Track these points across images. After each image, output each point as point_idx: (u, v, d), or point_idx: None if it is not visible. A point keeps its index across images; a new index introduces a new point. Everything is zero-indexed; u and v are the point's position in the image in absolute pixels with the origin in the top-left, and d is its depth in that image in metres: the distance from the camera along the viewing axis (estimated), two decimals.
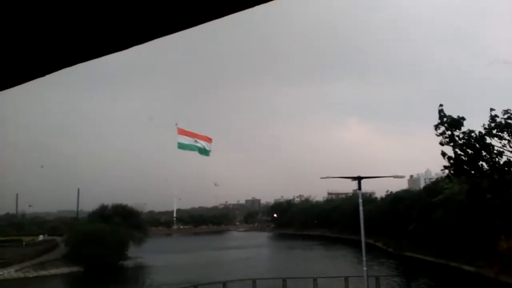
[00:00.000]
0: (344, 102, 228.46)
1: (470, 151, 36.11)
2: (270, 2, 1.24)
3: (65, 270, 56.15)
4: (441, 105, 37.08)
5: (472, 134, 36.38)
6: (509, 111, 35.92)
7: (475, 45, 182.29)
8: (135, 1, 1.11)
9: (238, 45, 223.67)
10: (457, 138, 36.35)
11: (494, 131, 36.01)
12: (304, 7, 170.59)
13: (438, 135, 36.81)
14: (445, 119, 36.44)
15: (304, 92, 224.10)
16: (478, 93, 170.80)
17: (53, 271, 55.34)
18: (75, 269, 56.48)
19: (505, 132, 35.91)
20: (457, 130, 36.55)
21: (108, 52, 1.27)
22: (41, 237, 73.81)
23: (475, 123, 37.73)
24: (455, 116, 36.71)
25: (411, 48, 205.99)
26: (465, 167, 36.74)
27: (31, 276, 52.47)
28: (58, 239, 70.88)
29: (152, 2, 1.13)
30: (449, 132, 36.39)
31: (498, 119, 36.08)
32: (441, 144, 36.89)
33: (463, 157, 36.64)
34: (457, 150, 36.66)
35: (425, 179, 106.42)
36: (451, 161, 36.77)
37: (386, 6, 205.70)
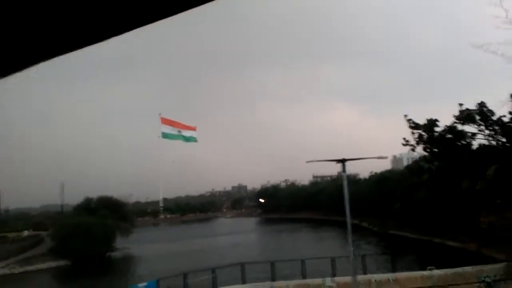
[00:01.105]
0: (329, 85, 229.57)
1: (443, 145, 37.69)
2: None
3: (52, 264, 55.76)
4: (408, 119, 38.82)
5: (448, 128, 37.98)
6: (482, 103, 37.19)
7: (458, 29, 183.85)
8: None
9: (222, 31, 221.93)
10: (428, 140, 38.10)
11: (464, 121, 37.46)
12: None
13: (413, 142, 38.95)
14: (415, 125, 38.35)
15: (290, 77, 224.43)
16: (463, 75, 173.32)
17: (40, 266, 54.92)
18: (62, 263, 56.13)
19: (477, 120, 37.29)
20: (432, 132, 38.18)
21: (100, 40, 1.26)
22: (25, 233, 73.05)
23: (456, 105, 38.89)
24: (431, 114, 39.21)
25: (396, 31, 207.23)
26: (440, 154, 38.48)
27: (17, 272, 52.01)
28: (43, 234, 70.24)
29: None
30: (425, 135, 38.06)
31: (469, 110, 37.50)
32: (412, 149, 39.26)
33: (433, 157, 38.68)
34: (431, 149, 38.53)
35: (408, 158, 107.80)
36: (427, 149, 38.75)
37: None
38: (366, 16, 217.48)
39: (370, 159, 21.94)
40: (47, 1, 1.10)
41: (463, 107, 38.16)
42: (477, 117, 37.33)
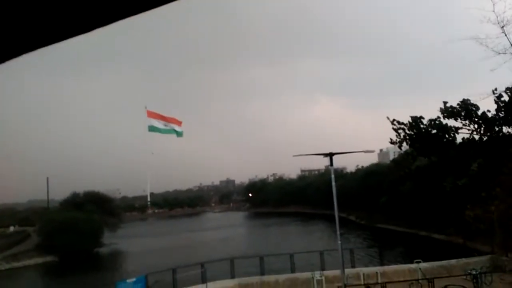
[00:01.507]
0: (316, 79, 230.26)
1: (426, 140, 38.29)
2: None
3: (39, 260, 55.24)
4: (392, 120, 39.22)
5: (432, 123, 38.52)
6: (466, 100, 37.73)
7: (443, 22, 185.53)
8: None
9: (208, 26, 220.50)
10: (413, 137, 38.66)
11: (449, 116, 38.06)
12: None
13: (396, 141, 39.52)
14: (402, 126, 38.85)
15: (276, 72, 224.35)
16: (446, 68, 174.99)
17: (27, 262, 54.34)
18: (49, 258, 55.65)
19: (462, 116, 37.88)
20: (417, 130, 38.67)
21: (86, 30, 1.21)
22: (11, 229, 72.06)
23: (444, 98, 39.43)
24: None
25: (379, 24, 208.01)
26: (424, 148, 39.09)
27: (3, 269, 51.36)
28: (29, 229, 69.40)
29: None
30: (410, 133, 38.56)
31: (454, 107, 38.06)
32: (399, 147, 39.81)
33: (418, 151, 39.30)
34: (416, 145, 39.08)
35: (394, 152, 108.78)
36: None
37: None
38: (351, 9, 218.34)
39: (357, 153, 22.06)
40: None
41: (448, 104, 38.67)
42: (462, 112, 37.86)
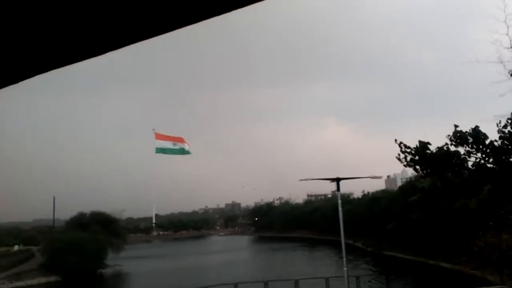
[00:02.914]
0: (322, 103, 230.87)
1: (434, 168, 38.43)
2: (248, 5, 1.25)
3: (42, 280, 54.83)
4: (399, 143, 39.50)
5: (441, 150, 38.66)
6: (476, 127, 37.86)
7: (449, 46, 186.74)
8: (127, 2, 1.12)
9: (215, 48, 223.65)
10: (420, 161, 38.83)
11: (459, 141, 38.13)
12: (281, 9, 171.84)
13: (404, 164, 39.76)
14: (408, 150, 39.07)
15: (282, 94, 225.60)
16: (454, 92, 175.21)
17: (30, 281, 53.94)
18: (52, 278, 55.21)
19: (470, 143, 37.90)
20: (424, 154, 38.85)
21: (95, 54, 1.26)
22: (16, 247, 71.88)
23: (455, 122, 39.42)
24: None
25: (386, 49, 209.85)
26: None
27: None
28: (34, 248, 69.18)
29: (141, 3, 1.13)
30: (416, 158, 38.72)
31: (463, 133, 38.19)
32: (405, 166, 40.11)
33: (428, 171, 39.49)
34: (424, 170, 39.22)
35: (401, 178, 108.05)
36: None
37: (362, 8, 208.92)
38: (359, 33, 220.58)
39: (365, 179, 21.96)
40: (42, 15, 1.11)
41: (458, 129, 38.70)
42: (470, 140, 37.86)
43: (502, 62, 23.53)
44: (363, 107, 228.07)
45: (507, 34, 22.66)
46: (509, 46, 23.03)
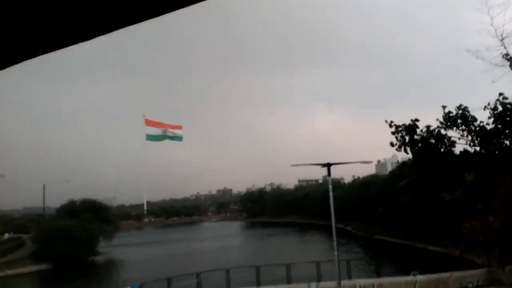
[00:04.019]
0: (313, 89, 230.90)
1: (424, 150, 38.64)
2: None
3: (33, 268, 54.69)
4: (390, 122, 39.58)
5: (430, 131, 38.80)
6: (461, 106, 38.06)
7: (440, 33, 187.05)
8: None
9: (206, 35, 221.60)
10: (409, 143, 39.02)
11: (448, 124, 38.35)
12: None
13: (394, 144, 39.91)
14: (400, 128, 39.21)
15: (273, 80, 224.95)
16: (443, 80, 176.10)
17: (20, 269, 53.81)
18: (43, 266, 55.09)
19: (460, 125, 38.12)
20: (413, 135, 38.99)
21: (85, 38, 1.22)
22: (6, 236, 71.59)
23: (439, 109, 39.63)
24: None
25: (377, 35, 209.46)
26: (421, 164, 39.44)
27: None
28: (24, 236, 68.93)
29: None
30: (407, 137, 38.87)
31: (452, 114, 38.33)
32: (397, 150, 40.21)
33: (415, 162, 39.69)
34: (414, 153, 39.42)
35: (391, 163, 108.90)
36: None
37: None
38: (349, 20, 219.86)
39: (355, 163, 22.10)
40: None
41: (446, 110, 38.85)
42: (459, 121, 38.08)
43: (489, 50, 23.79)
44: (353, 94, 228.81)
45: (492, 25, 22.88)
46: (495, 35, 23.27)
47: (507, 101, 35.90)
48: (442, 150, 38.76)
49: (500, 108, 36.15)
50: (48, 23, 1.15)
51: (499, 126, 36.08)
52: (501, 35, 24.75)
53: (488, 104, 36.49)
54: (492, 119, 36.64)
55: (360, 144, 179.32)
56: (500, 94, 35.77)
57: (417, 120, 39.49)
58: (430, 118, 39.92)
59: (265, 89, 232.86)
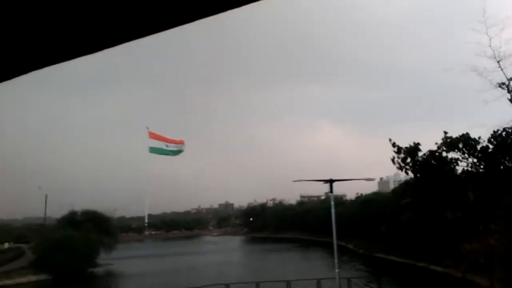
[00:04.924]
0: (316, 104, 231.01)
1: (425, 173, 38.75)
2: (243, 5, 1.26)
3: (32, 278, 54.41)
4: (393, 143, 39.73)
5: (432, 153, 38.97)
6: (466, 134, 38.31)
7: (442, 51, 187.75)
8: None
9: (210, 48, 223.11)
10: (411, 164, 39.20)
11: (448, 148, 38.62)
12: (276, 10, 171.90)
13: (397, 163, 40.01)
14: (401, 150, 39.39)
15: (276, 95, 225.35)
16: (445, 98, 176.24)
17: (19, 279, 53.51)
18: (42, 277, 54.80)
19: (461, 149, 38.33)
20: (415, 156, 39.16)
21: (91, 51, 1.26)
22: (6, 245, 71.29)
23: (446, 127, 39.75)
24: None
25: (380, 52, 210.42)
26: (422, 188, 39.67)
27: None
28: (24, 246, 68.67)
29: (138, 1, 1.13)
30: (408, 159, 39.10)
31: (452, 138, 38.60)
32: (399, 169, 40.34)
33: (417, 182, 39.81)
34: (414, 173, 39.53)
35: (394, 181, 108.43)
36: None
37: (355, 11, 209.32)
38: (352, 37, 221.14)
39: (357, 180, 22.04)
40: (38, 11, 1.11)
41: (448, 135, 39.04)
42: (460, 145, 38.24)
43: (487, 71, 24.05)
44: (357, 110, 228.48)
45: (490, 46, 23.11)
46: (493, 56, 23.48)
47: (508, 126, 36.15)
48: (444, 169, 38.77)
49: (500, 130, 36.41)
50: (56, 35, 1.19)
51: (500, 148, 36.26)
52: (498, 56, 24.99)
53: (497, 130, 36.69)
54: (493, 141, 36.84)
55: (362, 161, 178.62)
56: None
57: (418, 144, 39.68)
58: (433, 136, 39.90)
59: (269, 103, 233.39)
